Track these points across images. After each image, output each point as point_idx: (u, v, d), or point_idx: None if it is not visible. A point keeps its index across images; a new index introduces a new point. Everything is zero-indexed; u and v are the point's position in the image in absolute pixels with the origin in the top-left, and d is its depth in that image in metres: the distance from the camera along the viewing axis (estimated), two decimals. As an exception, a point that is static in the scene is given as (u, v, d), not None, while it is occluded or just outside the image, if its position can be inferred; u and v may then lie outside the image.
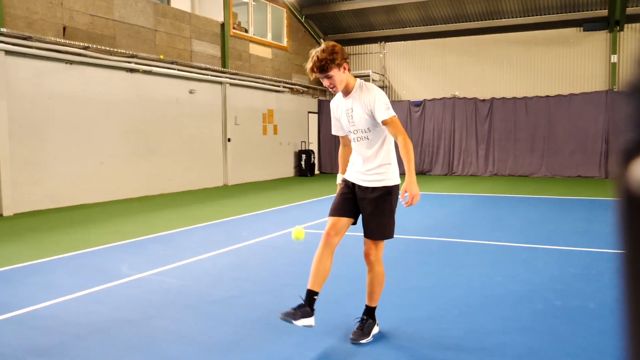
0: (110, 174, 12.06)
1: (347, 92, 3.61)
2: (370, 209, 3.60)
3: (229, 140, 15.74)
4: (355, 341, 3.64)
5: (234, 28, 16.13)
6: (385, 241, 3.72)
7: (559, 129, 17.58)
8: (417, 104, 19.27)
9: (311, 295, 3.46)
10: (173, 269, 5.78)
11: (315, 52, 3.48)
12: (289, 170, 19.04)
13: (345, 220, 3.64)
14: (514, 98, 18.21)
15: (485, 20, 18.64)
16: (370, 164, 3.60)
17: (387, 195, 3.61)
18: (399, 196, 3.52)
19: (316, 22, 20.37)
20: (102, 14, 11.84)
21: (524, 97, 18.08)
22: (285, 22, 18.76)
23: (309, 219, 9.21)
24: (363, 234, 3.68)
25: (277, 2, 18.13)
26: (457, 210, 10.43)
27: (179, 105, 13.97)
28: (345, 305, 4.45)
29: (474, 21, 18.81)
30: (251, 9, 17.13)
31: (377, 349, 3.59)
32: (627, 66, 17.10)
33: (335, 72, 3.47)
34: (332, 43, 3.55)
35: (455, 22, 19.07)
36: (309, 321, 3.41)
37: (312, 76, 3.59)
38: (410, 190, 3.38)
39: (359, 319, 3.81)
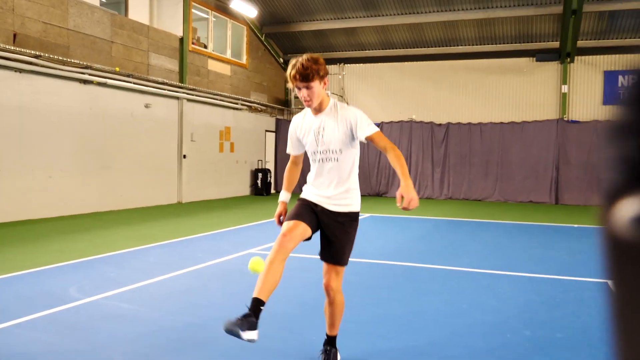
0: (59, 188, 11.51)
1: (319, 110, 3.42)
2: (339, 234, 3.44)
3: (184, 156, 15.36)
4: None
5: (193, 43, 15.86)
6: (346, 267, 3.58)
7: (512, 155, 17.99)
8: (377, 126, 19.33)
9: (258, 305, 3.12)
10: (126, 293, 5.45)
11: (299, 60, 3.29)
12: (244, 189, 18.74)
13: (303, 228, 3.34)
14: (469, 123, 18.56)
15: (443, 46, 19.00)
16: (339, 188, 3.43)
17: (354, 222, 3.49)
18: (398, 202, 3.34)
19: (276, 41, 20.30)
20: (56, 22, 11.39)
21: (479, 123, 18.45)
22: (245, 39, 18.60)
23: (266, 240, 8.98)
24: (325, 262, 3.50)
25: (237, 19, 17.97)
26: (418, 234, 10.39)
27: (134, 120, 13.54)
28: (304, 333, 4.25)
29: (432, 47, 19.14)
30: (211, 25, 16.90)
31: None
32: (577, 96, 17.72)
33: (316, 84, 3.28)
34: (317, 54, 3.37)
35: (414, 47, 19.36)
36: (254, 335, 3.05)
37: (294, 85, 3.32)
38: (408, 194, 3.19)
39: (323, 351, 3.65)
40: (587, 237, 10.26)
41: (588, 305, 5.37)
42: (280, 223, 3.57)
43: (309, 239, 3.47)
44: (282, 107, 21.00)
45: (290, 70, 3.29)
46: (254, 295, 3.12)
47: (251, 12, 17.05)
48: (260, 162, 19.48)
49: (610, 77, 17.35)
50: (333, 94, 20.06)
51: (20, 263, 6.76)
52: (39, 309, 4.79)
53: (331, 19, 18.63)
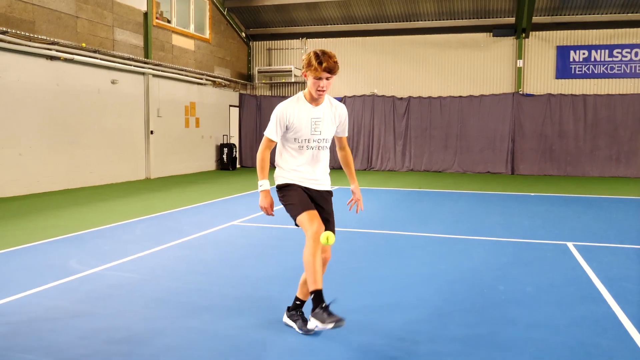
0: (30, 165, 11.47)
1: (319, 101, 3.68)
2: (330, 208, 3.86)
3: (151, 132, 15.38)
4: (309, 332, 3.76)
5: (156, 18, 15.74)
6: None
7: (471, 128, 18.71)
8: (338, 100, 19.68)
9: (320, 295, 3.40)
10: (126, 264, 5.72)
11: (324, 52, 3.51)
12: (210, 164, 18.88)
13: (318, 214, 3.67)
14: (430, 97, 19.14)
15: (404, 21, 19.40)
16: (324, 171, 3.86)
17: (331, 197, 3.92)
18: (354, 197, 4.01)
19: (238, 16, 20.27)
20: (21, -3, 11.20)
21: (439, 97, 19.06)
22: (208, 14, 18.52)
23: (245, 213, 9.31)
24: None
25: (200, -7, 17.87)
26: (386, 204, 10.89)
27: (101, 96, 13.48)
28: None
29: (393, 22, 19.52)
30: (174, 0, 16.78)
31: (365, 334, 3.83)
32: (531, 71, 18.50)
33: (333, 78, 3.59)
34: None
35: (375, 22, 19.69)
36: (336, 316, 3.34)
37: (316, 75, 3.48)
38: (359, 193, 3.99)
39: (297, 313, 3.92)
40: (543, 204, 10.99)
41: (551, 264, 5.97)
42: (271, 213, 3.79)
43: None
44: (246, 82, 21.07)
45: (317, 61, 3.46)
46: (315, 288, 3.40)
47: (214, -14, 16.98)
48: (225, 137, 19.60)
49: (562, 52, 18.17)
50: (296, 68, 20.29)
51: (8, 239, 6.89)
52: (48, 280, 5.03)
53: (294, -6, 18.72)
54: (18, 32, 10.95)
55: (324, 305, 3.35)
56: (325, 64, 3.48)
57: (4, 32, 10.59)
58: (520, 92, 18.38)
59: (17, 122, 11.15)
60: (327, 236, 3.43)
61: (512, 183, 15.42)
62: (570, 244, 6.91)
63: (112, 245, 6.69)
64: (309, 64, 3.52)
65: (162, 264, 5.77)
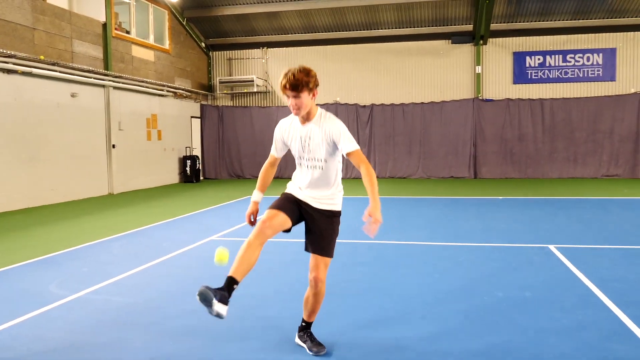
0: (-13, 185, 10.92)
1: (307, 118, 3.56)
2: (324, 228, 3.64)
3: (113, 146, 14.92)
4: (320, 352, 3.69)
5: (115, 29, 15.33)
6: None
7: (433, 134, 18.95)
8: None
9: (232, 283, 3.24)
10: (110, 286, 5.46)
11: (291, 70, 3.43)
12: (174, 177, 18.47)
13: (283, 218, 3.51)
14: (392, 104, 19.31)
15: (365, 30, 19.53)
16: (325, 191, 3.64)
17: (337, 218, 3.72)
18: (364, 219, 3.42)
19: (198, 26, 19.98)
20: (-26, 9, 10.69)
21: (401, 104, 19.24)
22: (167, 24, 18.18)
23: (220, 227, 9.10)
24: (312, 253, 3.66)
25: (158, 3, 17.53)
26: (356, 212, 10.83)
27: (61, 110, 12.99)
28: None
29: (354, 30, 19.62)
30: (133, 10, 16.38)
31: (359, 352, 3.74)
32: (490, 76, 18.90)
33: (305, 95, 3.43)
34: (308, 67, 3.49)
35: (336, 31, 19.75)
36: (223, 310, 3.18)
37: (284, 93, 3.46)
38: (375, 215, 3.33)
39: (306, 334, 3.83)
40: (513, 207, 11.19)
41: (540, 267, 6.04)
42: (252, 223, 3.70)
43: (288, 231, 3.61)
44: (207, 93, 20.76)
45: (281, 80, 3.43)
46: (229, 274, 3.27)
47: (173, -4, 16.69)
48: (187, 149, 19.23)
49: (518, 57, 18.65)
50: (258, 78, 20.13)
51: (-22, 264, 6.51)
52: (29, 308, 4.73)
53: (253, 3, 18.58)
54: (-28, 45, 10.44)
55: (221, 288, 3.20)
56: (284, 81, 3.40)
57: (-43, 46, 10.08)
58: (480, 98, 18.74)
59: (-27, 139, 10.61)
60: (219, 253, 3.33)
61: (477, 187, 15.67)
62: (552, 247, 7.01)
63: (91, 266, 6.39)
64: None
65: (150, 284, 5.53)
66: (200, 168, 19.72)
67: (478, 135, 18.69)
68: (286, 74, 3.43)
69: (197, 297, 3.14)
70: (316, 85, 3.49)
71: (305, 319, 3.87)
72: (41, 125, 12.37)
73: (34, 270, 6.23)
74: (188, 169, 18.70)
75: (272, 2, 18.42)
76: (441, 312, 4.53)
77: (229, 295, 3.23)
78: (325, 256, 3.66)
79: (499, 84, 18.89)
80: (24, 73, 11.75)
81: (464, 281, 5.48)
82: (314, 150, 3.56)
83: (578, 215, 10.03)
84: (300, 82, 3.38)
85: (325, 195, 3.65)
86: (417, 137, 19.09)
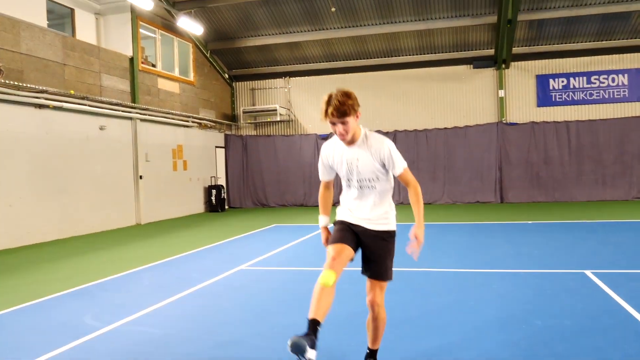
0: (20, 216, 11.12)
1: (352, 141, 3.50)
2: (381, 250, 3.57)
3: (140, 177, 15.12)
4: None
5: (142, 62, 15.68)
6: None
7: (458, 159, 18.85)
8: (324, 137, 19.74)
9: (315, 325, 3.11)
10: (143, 317, 5.47)
11: (334, 95, 3.33)
12: (199, 206, 18.61)
13: (348, 250, 3.46)
14: (415, 130, 19.30)
15: (385, 57, 19.68)
16: (377, 211, 3.57)
17: (392, 238, 3.62)
18: (410, 236, 3.51)
19: (221, 57, 20.33)
20: (8, 47, 11.04)
21: (424, 129, 19.22)
22: (191, 56, 18.54)
23: (249, 256, 9.10)
24: (369, 278, 3.61)
25: (183, 37, 17.91)
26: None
27: (90, 142, 13.25)
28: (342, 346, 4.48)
29: (375, 58, 19.78)
30: (158, 44, 16.76)
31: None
32: (513, 100, 18.82)
33: (351, 119, 3.36)
34: (347, 89, 3.42)
35: (357, 59, 19.93)
36: (314, 355, 3.05)
37: (329, 120, 3.36)
38: (419, 236, 3.43)
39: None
40: (543, 232, 11.01)
41: (577, 293, 5.89)
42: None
43: (352, 259, 3.57)
44: (230, 123, 21.01)
45: (324, 107, 3.33)
46: (311, 316, 3.13)
47: (197, 30, 17.04)
48: (212, 178, 19.40)
49: (542, 80, 18.56)
50: (281, 107, 20.33)
51: (12, 296, 6.58)
52: (66, 339, 4.76)
53: (276, 34, 18.89)
54: (7, 81, 10.75)
55: (307, 334, 3.05)
56: (330, 109, 3.32)
57: (-8, 83, 10.39)
58: (504, 122, 18.64)
59: (6, 172, 10.85)
60: (325, 276, 3.24)
61: (504, 212, 15.48)
62: (588, 272, 6.85)
63: (123, 297, 6.42)
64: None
65: (182, 315, 5.53)
66: (226, 197, 19.84)
67: (503, 159, 18.54)
68: (329, 101, 3.33)
69: (289, 348, 2.96)
70: (358, 106, 3.41)
71: (369, 346, 3.83)
72: (71, 157, 12.61)
73: (69, 301, 6.28)
74: (213, 198, 18.84)
75: (293, 32, 18.71)
76: (482, 343, 4.43)
77: (316, 337, 3.09)
78: (380, 280, 3.60)
79: (523, 108, 18.78)
80: (55, 108, 12.04)
81: (499, 310, 5.37)
82: (363, 172, 3.50)
83: (610, 238, 9.82)
84: (347, 107, 3.30)
85: (378, 215, 3.57)
86: (441, 163, 19.00)
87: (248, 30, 18.81)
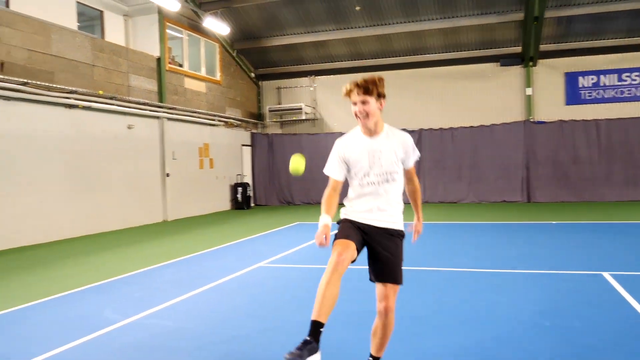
0: (51, 213, 11.50)
1: (374, 131, 3.41)
2: (393, 250, 3.44)
3: (167, 175, 15.44)
4: None
5: (169, 62, 15.99)
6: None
7: (483, 157, 18.68)
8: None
9: (317, 328, 3.01)
10: (161, 311, 5.65)
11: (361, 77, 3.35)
12: (225, 204, 18.88)
13: (353, 248, 3.26)
14: (441, 129, 19.20)
15: (410, 55, 19.62)
16: (390, 208, 3.45)
17: (402, 238, 3.52)
18: (414, 228, 3.72)
19: (247, 57, 20.57)
20: (40, 49, 11.42)
21: (450, 128, 19.11)
22: (218, 56, 18.81)
23: (269, 253, 9.24)
24: (382, 283, 3.46)
25: (210, 37, 18.18)
26: (406, 239, 10.76)
27: (118, 141, 13.60)
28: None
29: (400, 56, 19.74)
30: (185, 44, 17.07)
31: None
32: (541, 98, 18.57)
33: (372, 100, 3.29)
34: (379, 75, 3.41)
35: (382, 57, 19.93)
36: (316, 357, 2.98)
37: (350, 98, 3.32)
38: (420, 230, 3.71)
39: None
40: (566, 232, 10.88)
41: (591, 295, 5.84)
42: (323, 243, 3.29)
43: (354, 261, 3.34)
44: (256, 121, 21.25)
45: (349, 84, 3.32)
46: (313, 317, 3.03)
47: (223, 30, 17.27)
48: (238, 176, 19.66)
49: (571, 78, 18.26)
50: (307, 106, 20.46)
51: (38, 290, 6.85)
52: (84, 332, 4.96)
53: (301, 33, 19.02)
54: (38, 82, 11.13)
55: (307, 341, 2.96)
56: (351, 85, 3.31)
57: (24, 83, 10.77)
58: (531, 120, 18.40)
59: (38, 170, 11.23)
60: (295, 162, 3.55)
61: (530, 211, 15.31)
62: (606, 274, 6.78)
63: (144, 292, 6.63)
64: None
65: (199, 310, 5.69)
66: (251, 195, 20.07)
67: (530, 158, 18.30)
68: (353, 80, 3.31)
69: None
70: (384, 95, 3.33)
71: (372, 353, 3.62)
72: (100, 156, 12.97)
73: (92, 295, 6.51)
74: (239, 196, 19.08)
75: (319, 31, 18.81)
76: (488, 343, 4.46)
77: (318, 341, 2.99)
78: (394, 283, 3.45)
79: (551, 106, 18.51)
80: (84, 107, 12.40)
81: (511, 310, 5.37)
82: (386, 164, 3.37)
83: (636, 240, 9.65)
84: (370, 84, 3.27)
85: (389, 213, 3.45)
86: (467, 161, 18.86)
87: (274, 30, 18.99)
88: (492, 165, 18.58)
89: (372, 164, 3.39)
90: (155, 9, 15.21)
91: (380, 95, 3.33)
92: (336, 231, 3.43)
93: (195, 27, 17.25)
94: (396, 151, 3.40)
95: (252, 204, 20.42)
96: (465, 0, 16.78)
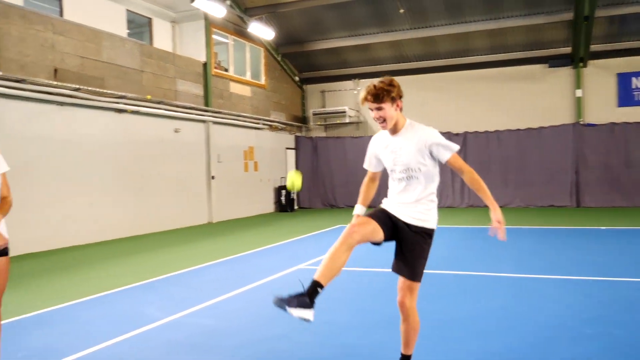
0: (99, 215, 11.91)
1: (395, 130, 3.49)
2: (415, 248, 3.48)
3: (212, 177, 15.76)
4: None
5: (215, 67, 16.32)
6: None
7: (531, 161, 18.27)
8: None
9: (315, 287, 3.13)
10: (204, 310, 5.80)
11: (372, 82, 3.40)
12: (269, 206, 19.10)
13: (374, 227, 3.38)
14: (486, 132, 18.89)
15: (456, 57, 19.41)
16: (419, 205, 3.49)
17: (430, 238, 3.52)
18: (494, 225, 3.44)
19: (292, 61, 20.78)
20: (91, 56, 11.86)
21: (496, 131, 18.78)
22: (263, 60, 19.08)
23: (310, 255, 9.31)
24: (400, 276, 3.54)
25: (255, 42, 18.46)
26: (449, 243, 10.67)
27: (165, 145, 13.97)
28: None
29: (445, 58, 19.55)
30: (231, 49, 17.39)
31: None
32: (591, 100, 18.04)
33: (387, 105, 3.36)
34: (390, 77, 3.42)
35: (427, 60, 19.78)
36: (306, 313, 3.09)
37: (364, 104, 3.43)
38: (500, 219, 3.36)
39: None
40: (616, 238, 10.54)
41: (636, 304, 5.66)
42: None
43: (379, 244, 3.48)
44: (301, 125, 21.43)
45: (362, 93, 3.40)
46: (314, 277, 3.16)
47: (268, 35, 17.51)
48: (282, 179, 19.86)
49: (623, 79, 17.67)
50: (350, 109, 20.50)
51: (87, 287, 7.12)
52: (129, 328, 5.13)
53: (345, 37, 19.09)
54: (89, 88, 11.56)
55: (301, 294, 3.11)
56: (364, 93, 3.39)
57: (76, 89, 11.21)
58: (581, 122, 17.90)
59: (88, 173, 11.67)
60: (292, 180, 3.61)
61: (579, 216, 14.89)
62: (656, 280, 6.56)
63: (188, 291, 6.80)
64: None
65: (241, 309, 5.81)
66: (295, 198, 20.25)
67: (580, 161, 17.78)
68: (367, 86, 3.40)
69: (274, 302, 3.18)
70: (400, 96, 3.40)
71: (402, 350, 3.72)
72: (147, 159, 13.36)
73: (137, 293, 6.73)
74: (283, 198, 19.28)
75: (363, 35, 18.83)
76: (524, 349, 4.40)
77: (313, 299, 3.12)
78: (410, 279, 3.48)
79: (602, 108, 17.95)
80: (133, 112, 12.80)
81: (550, 317, 5.26)
82: (407, 161, 3.45)
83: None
84: (381, 92, 3.32)
85: (418, 210, 3.48)
86: (514, 165, 18.48)
87: (318, 34, 19.13)
88: (540, 169, 18.14)
89: (395, 161, 3.53)
90: (202, 16, 15.56)
91: (395, 98, 3.39)
92: None
93: (240, 32, 17.55)
94: (415, 147, 3.43)
95: (296, 207, 20.58)
96: (511, 1, 16.48)
